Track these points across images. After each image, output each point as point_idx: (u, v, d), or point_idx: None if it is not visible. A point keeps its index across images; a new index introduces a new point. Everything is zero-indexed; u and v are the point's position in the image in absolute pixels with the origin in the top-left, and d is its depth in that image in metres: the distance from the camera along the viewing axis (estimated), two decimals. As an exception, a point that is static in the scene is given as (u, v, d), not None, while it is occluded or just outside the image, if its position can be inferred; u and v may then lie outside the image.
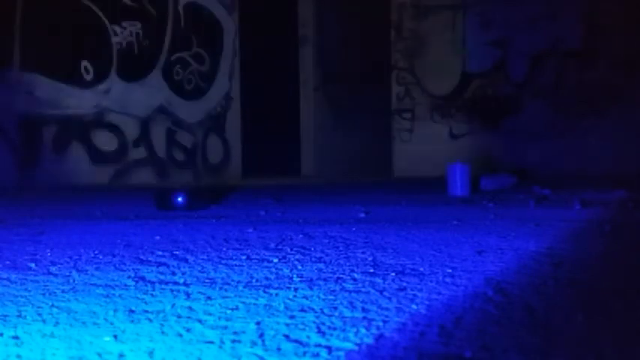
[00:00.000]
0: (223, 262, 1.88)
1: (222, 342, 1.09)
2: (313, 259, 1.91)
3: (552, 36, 7.96)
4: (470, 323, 1.16)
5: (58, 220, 3.13)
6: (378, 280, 1.57)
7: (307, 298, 1.39)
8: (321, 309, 1.30)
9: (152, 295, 1.46)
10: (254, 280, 1.60)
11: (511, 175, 5.43)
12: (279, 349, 1.04)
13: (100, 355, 1.03)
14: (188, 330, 1.16)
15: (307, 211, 3.41)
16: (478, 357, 0.98)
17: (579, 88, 7.83)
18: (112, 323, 1.22)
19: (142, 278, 1.66)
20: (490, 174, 5.23)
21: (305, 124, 8.94)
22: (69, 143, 6.29)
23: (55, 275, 1.72)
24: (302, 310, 1.29)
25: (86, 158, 6.44)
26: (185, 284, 1.57)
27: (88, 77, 6.48)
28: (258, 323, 1.20)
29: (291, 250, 2.09)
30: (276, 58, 8.80)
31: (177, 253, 2.07)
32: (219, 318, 1.24)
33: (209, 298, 1.42)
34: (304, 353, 1.02)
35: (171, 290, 1.51)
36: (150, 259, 1.96)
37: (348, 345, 1.06)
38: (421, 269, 1.70)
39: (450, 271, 1.67)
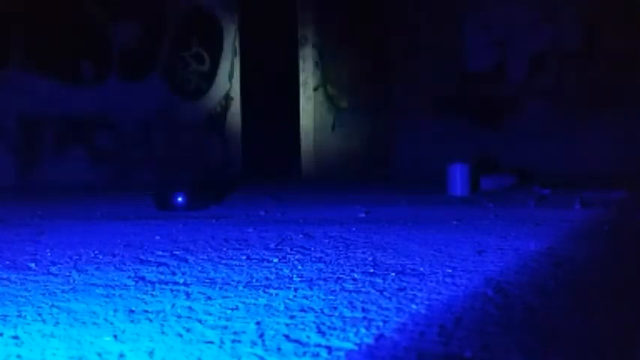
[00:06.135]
0: (223, 262, 1.88)
1: (222, 342, 1.09)
2: (313, 259, 1.91)
3: (552, 36, 7.96)
4: (470, 323, 1.16)
5: (58, 220, 3.12)
6: (378, 280, 1.57)
7: (307, 298, 1.39)
8: (321, 309, 1.30)
9: (152, 295, 1.46)
10: (254, 280, 1.60)
11: (511, 175, 5.43)
12: (279, 349, 1.04)
13: (100, 355, 1.03)
14: (188, 330, 1.16)
15: (307, 211, 3.41)
16: (478, 357, 0.98)
17: (579, 88, 7.82)
18: (112, 323, 1.22)
19: (142, 278, 1.66)
20: (490, 174, 5.22)
21: (305, 124, 8.94)
22: (69, 143, 6.29)
23: (55, 275, 1.72)
24: (302, 310, 1.29)
25: (86, 158, 6.44)
26: (185, 284, 1.57)
27: (88, 77, 6.48)
28: (258, 323, 1.20)
29: (291, 250, 2.09)
30: (276, 58, 8.80)
31: (177, 253, 2.07)
32: (219, 318, 1.24)
33: (209, 298, 1.42)
34: (304, 353, 1.02)
35: (171, 290, 1.51)
36: (150, 259, 1.96)
37: (348, 345, 1.06)
38: (421, 269, 1.70)
39: (450, 271, 1.67)
